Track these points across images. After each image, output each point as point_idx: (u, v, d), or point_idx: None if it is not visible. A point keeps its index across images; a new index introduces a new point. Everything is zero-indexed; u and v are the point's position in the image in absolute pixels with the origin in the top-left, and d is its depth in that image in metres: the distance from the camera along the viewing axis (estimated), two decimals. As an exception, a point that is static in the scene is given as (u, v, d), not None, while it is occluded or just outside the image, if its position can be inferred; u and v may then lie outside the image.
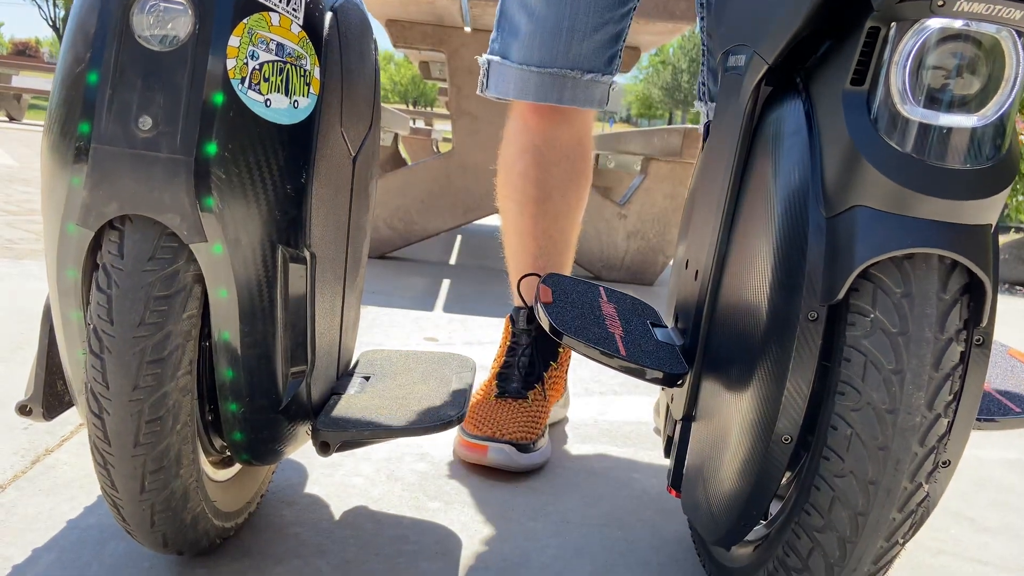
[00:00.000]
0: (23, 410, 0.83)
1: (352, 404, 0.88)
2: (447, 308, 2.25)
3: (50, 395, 0.83)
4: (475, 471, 1.17)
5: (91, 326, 0.68)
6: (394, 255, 3.01)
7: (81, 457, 1.08)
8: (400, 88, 69.21)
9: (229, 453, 0.82)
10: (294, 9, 0.73)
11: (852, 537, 0.67)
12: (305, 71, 0.74)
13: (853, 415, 0.65)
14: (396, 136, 5.18)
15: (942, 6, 0.61)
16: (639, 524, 1.06)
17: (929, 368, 0.65)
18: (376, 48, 0.94)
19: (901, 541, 0.68)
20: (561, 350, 1.31)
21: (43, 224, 0.72)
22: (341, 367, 0.96)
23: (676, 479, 0.91)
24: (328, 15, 0.78)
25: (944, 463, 0.70)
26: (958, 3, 0.61)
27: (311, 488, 1.06)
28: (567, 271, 1.35)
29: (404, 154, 5.67)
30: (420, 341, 1.86)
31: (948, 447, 0.69)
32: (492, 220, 3.70)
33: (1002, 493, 1.29)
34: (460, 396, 0.90)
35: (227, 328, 0.72)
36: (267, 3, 0.70)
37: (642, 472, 1.23)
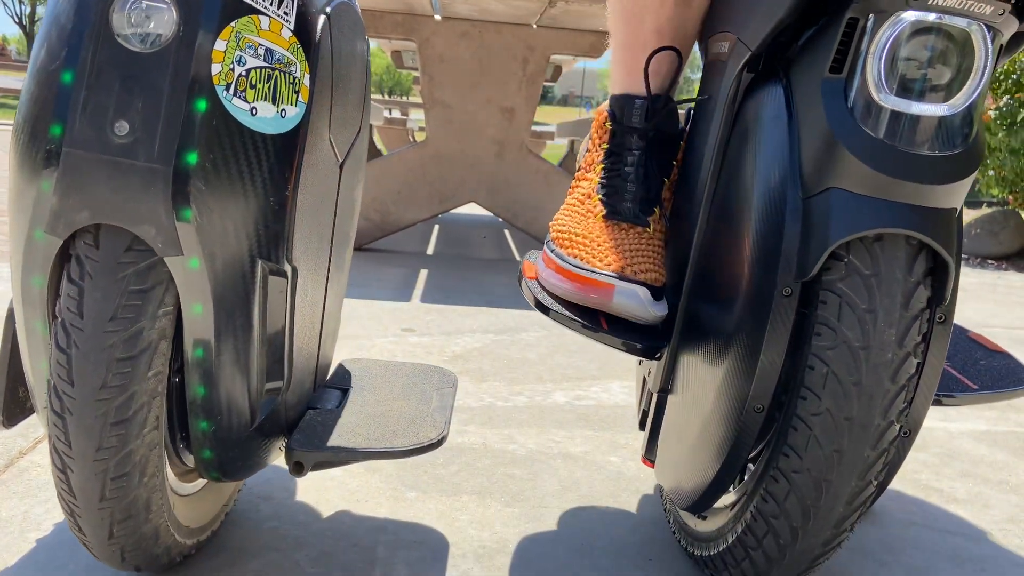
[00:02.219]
0: None
1: (328, 421, 0.84)
2: (424, 299, 2.25)
3: (11, 402, 0.81)
4: (453, 458, 1.17)
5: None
6: (371, 246, 3.00)
7: (55, 459, 1.08)
8: (375, 78, 68.76)
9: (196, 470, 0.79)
10: (285, 13, 0.69)
11: (828, 475, 0.70)
12: (294, 79, 0.70)
13: (829, 353, 0.69)
14: (371, 127, 5.14)
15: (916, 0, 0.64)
16: (616, 506, 1.07)
17: (900, 308, 0.68)
18: (368, 49, 0.90)
19: (874, 481, 0.71)
20: (676, 162, 0.99)
21: (9, 228, 0.70)
22: (318, 378, 0.93)
23: (650, 450, 0.94)
24: (321, 19, 0.74)
25: (905, 433, 0.73)
26: None
27: (289, 481, 1.07)
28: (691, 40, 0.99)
29: (380, 144, 5.65)
30: (398, 332, 1.86)
31: (909, 417, 0.72)
32: (468, 209, 3.70)
33: (971, 465, 1.32)
34: (440, 415, 0.87)
35: (201, 345, 0.69)
36: (257, 5, 0.67)
37: (618, 455, 1.24)
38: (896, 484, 1.21)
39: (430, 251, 3.18)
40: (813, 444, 0.70)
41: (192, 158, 0.64)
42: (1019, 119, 4.03)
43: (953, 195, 0.68)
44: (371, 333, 1.83)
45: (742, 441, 0.73)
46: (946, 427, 1.48)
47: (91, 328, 0.65)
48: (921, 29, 0.65)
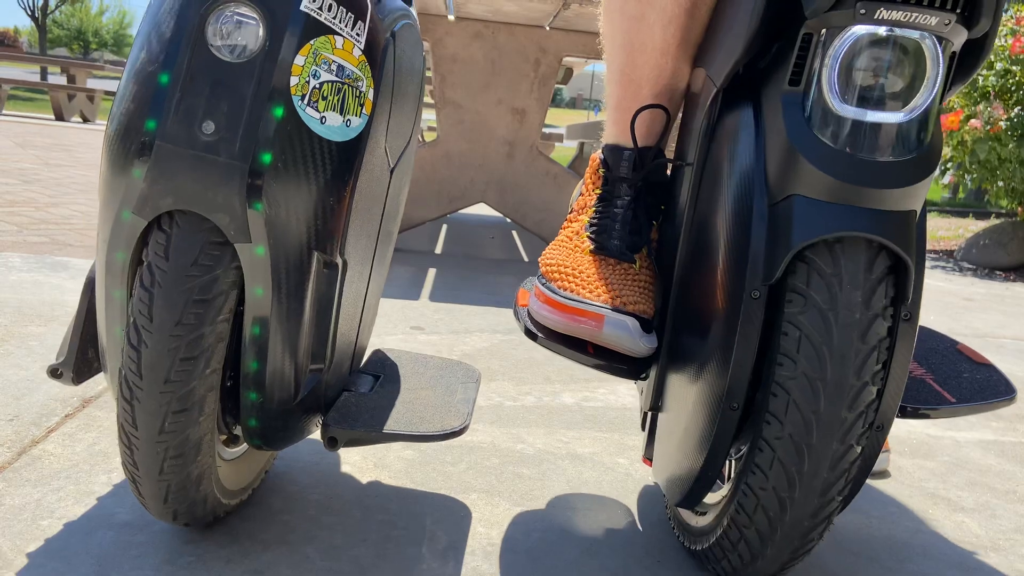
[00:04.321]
0: (54, 372, 0.88)
1: (362, 403, 0.91)
2: (433, 297, 2.25)
3: (81, 361, 0.88)
4: (462, 456, 1.18)
5: (147, 262, 0.73)
6: (379, 245, 3.00)
7: (67, 448, 1.08)
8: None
9: (241, 436, 0.85)
10: (357, 34, 0.77)
11: (790, 493, 0.74)
12: (360, 93, 0.78)
13: (790, 383, 0.72)
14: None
15: (864, 14, 0.67)
16: (623, 508, 1.08)
17: (856, 341, 0.71)
18: (424, 64, 0.97)
19: (837, 497, 0.75)
20: (664, 206, 1.02)
21: (99, 207, 0.77)
22: (354, 363, 0.99)
23: (649, 450, 0.97)
24: (387, 39, 0.82)
25: (878, 427, 0.76)
26: (878, 11, 0.67)
27: (300, 476, 1.07)
28: (680, 99, 1.01)
29: (389, 143, 5.65)
30: (406, 331, 1.87)
31: (880, 412, 0.75)
32: (477, 210, 3.70)
33: (978, 474, 1.32)
34: (464, 407, 0.94)
35: (259, 323, 0.76)
36: (334, 27, 0.74)
37: (626, 457, 1.24)
38: (903, 492, 1.21)
39: (438, 250, 3.18)
40: (776, 465, 0.74)
41: (267, 158, 0.71)
42: (1030, 130, 4.01)
43: (910, 198, 0.70)
44: (380, 331, 1.84)
45: (721, 438, 0.77)
46: (954, 436, 1.48)
47: (173, 273, 0.72)
48: (872, 42, 0.68)
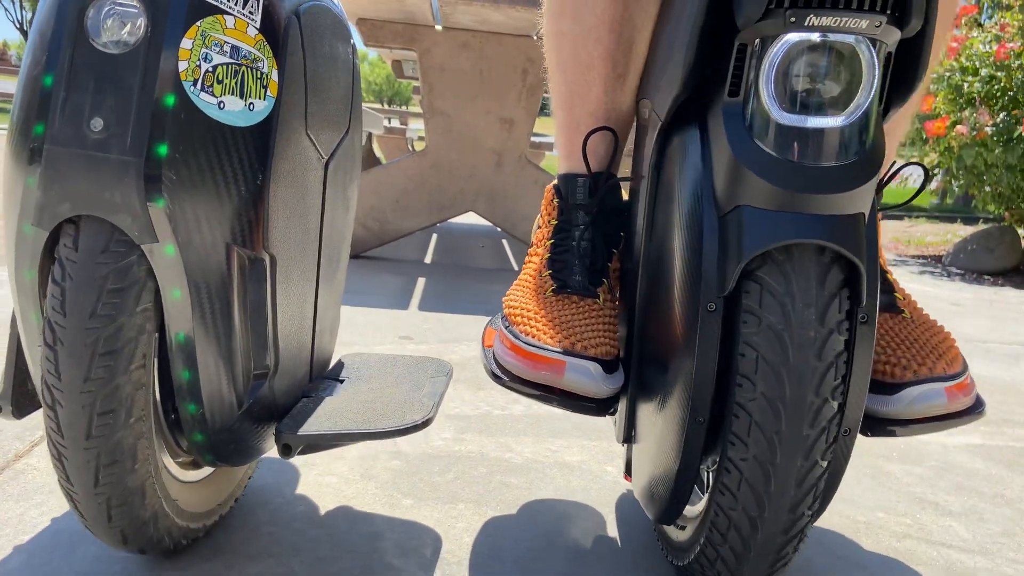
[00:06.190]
0: None
1: (319, 407, 0.88)
2: (422, 307, 2.25)
3: (20, 394, 0.84)
4: (449, 466, 1.17)
5: (45, 316, 0.69)
6: (368, 254, 3.00)
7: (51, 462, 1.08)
8: (375, 87, 68.85)
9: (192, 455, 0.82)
10: (250, 12, 0.73)
11: (760, 513, 0.74)
12: (262, 74, 0.74)
13: (751, 404, 0.72)
14: (370, 135, 5.17)
15: (794, 22, 0.68)
16: (611, 515, 1.07)
17: (812, 359, 0.71)
18: (354, 51, 0.94)
19: (808, 512, 0.75)
20: (623, 233, 1.02)
21: (4, 226, 0.73)
22: (316, 369, 0.96)
23: (628, 466, 0.97)
24: (291, 18, 0.78)
25: (845, 432, 0.76)
26: (808, 18, 0.67)
27: (285, 487, 1.07)
28: (628, 119, 1.02)
29: (379, 153, 5.66)
30: (395, 340, 1.86)
31: (846, 418, 0.75)
32: (466, 219, 3.71)
33: (966, 478, 1.32)
34: (429, 400, 0.90)
35: (182, 329, 0.72)
36: (221, 6, 0.71)
37: (614, 465, 1.24)
38: (891, 496, 1.21)
39: (428, 260, 3.18)
40: (743, 485, 0.74)
41: (162, 150, 0.68)
42: (1015, 135, 4.05)
43: (856, 201, 0.70)
44: (369, 341, 1.83)
45: (690, 452, 0.77)
46: (941, 440, 1.48)
47: (73, 328, 0.68)
48: (805, 48, 0.68)
